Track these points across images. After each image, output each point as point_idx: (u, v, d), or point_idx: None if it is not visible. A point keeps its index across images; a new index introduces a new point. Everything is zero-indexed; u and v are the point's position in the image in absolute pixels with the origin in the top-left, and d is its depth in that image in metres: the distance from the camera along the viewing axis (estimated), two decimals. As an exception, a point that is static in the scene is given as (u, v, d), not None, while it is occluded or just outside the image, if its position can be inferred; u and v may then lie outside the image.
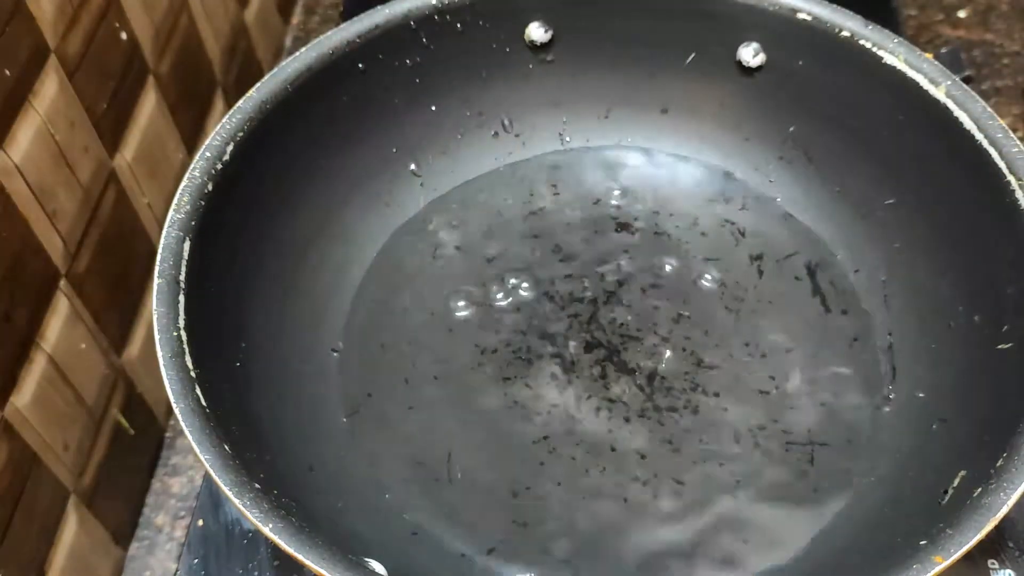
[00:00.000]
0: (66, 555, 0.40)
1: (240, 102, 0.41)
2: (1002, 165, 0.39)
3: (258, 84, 0.42)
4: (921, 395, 0.42)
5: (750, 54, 0.47)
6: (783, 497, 0.41)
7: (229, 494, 0.32)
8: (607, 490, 0.41)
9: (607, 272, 0.48)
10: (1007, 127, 0.40)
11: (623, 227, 0.50)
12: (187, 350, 0.35)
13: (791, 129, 0.48)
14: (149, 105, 0.47)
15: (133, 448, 0.46)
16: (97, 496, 0.43)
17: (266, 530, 0.31)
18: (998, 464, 0.33)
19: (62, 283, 0.40)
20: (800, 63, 0.46)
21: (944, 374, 0.41)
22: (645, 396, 0.44)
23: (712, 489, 0.41)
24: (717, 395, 0.44)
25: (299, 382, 0.42)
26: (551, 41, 0.48)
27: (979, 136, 0.40)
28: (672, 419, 0.43)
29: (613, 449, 0.42)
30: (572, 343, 0.45)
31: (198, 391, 0.34)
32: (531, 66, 0.49)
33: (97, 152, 0.43)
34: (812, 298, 0.47)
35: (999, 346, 0.38)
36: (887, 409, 0.43)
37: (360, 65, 0.45)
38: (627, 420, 0.43)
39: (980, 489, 0.33)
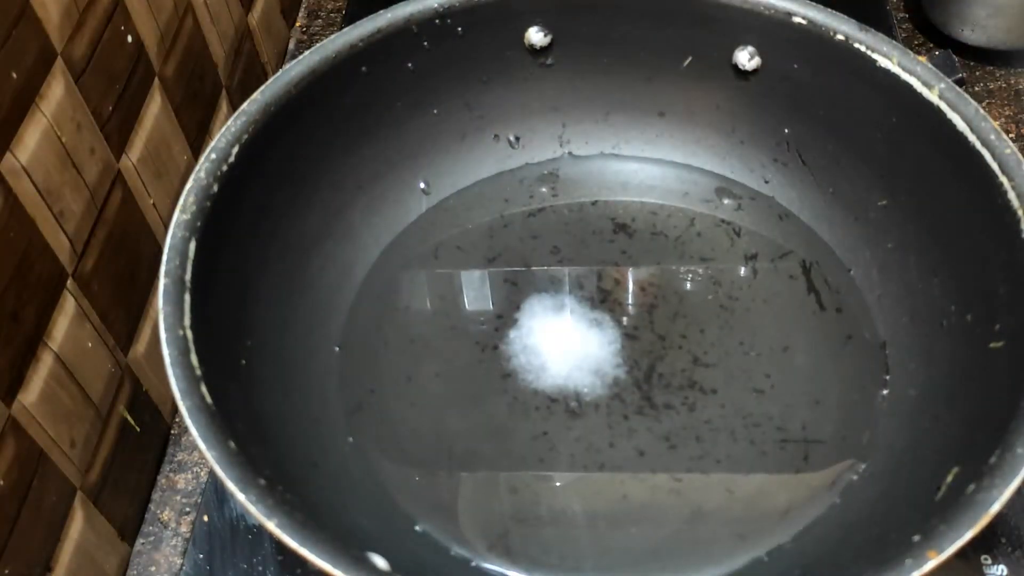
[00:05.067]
0: (72, 551, 0.41)
1: (245, 105, 0.42)
2: (994, 166, 0.40)
3: (262, 87, 0.43)
4: (914, 392, 0.42)
5: (746, 58, 0.47)
6: (778, 493, 0.41)
7: (234, 490, 0.32)
8: (606, 487, 0.42)
9: (605, 272, 0.48)
10: (999, 129, 0.40)
11: (621, 228, 0.50)
12: (192, 349, 0.35)
13: (786, 131, 0.48)
14: (155, 107, 0.48)
15: (139, 445, 0.47)
16: (103, 492, 0.43)
17: (270, 525, 0.32)
18: (991, 460, 0.33)
19: (69, 283, 0.41)
20: (795, 66, 0.46)
21: (937, 372, 0.42)
22: (643, 393, 0.44)
23: (708, 485, 0.42)
24: (714, 392, 0.44)
25: (303, 380, 0.43)
26: (550, 45, 0.49)
27: (972, 137, 0.40)
28: (669, 416, 0.43)
29: (611, 446, 0.43)
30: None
31: (203, 389, 0.34)
32: (531, 70, 0.50)
33: (103, 154, 0.43)
34: (807, 297, 0.47)
35: (991, 344, 0.39)
36: (881, 406, 0.43)
37: (363, 68, 0.45)
38: (625, 417, 0.43)
39: (973, 485, 0.33)
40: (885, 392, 0.43)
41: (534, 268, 0.49)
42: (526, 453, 0.43)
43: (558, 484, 0.42)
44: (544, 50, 0.49)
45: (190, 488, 0.48)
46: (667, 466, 0.42)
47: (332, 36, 0.45)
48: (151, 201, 0.48)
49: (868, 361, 0.45)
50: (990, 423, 0.35)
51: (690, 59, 0.49)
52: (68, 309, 0.41)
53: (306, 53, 0.44)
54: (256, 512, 0.32)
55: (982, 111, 0.41)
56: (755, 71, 0.48)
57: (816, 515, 0.40)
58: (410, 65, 0.47)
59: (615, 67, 0.50)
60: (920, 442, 0.40)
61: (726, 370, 0.45)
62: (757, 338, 0.46)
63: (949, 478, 0.35)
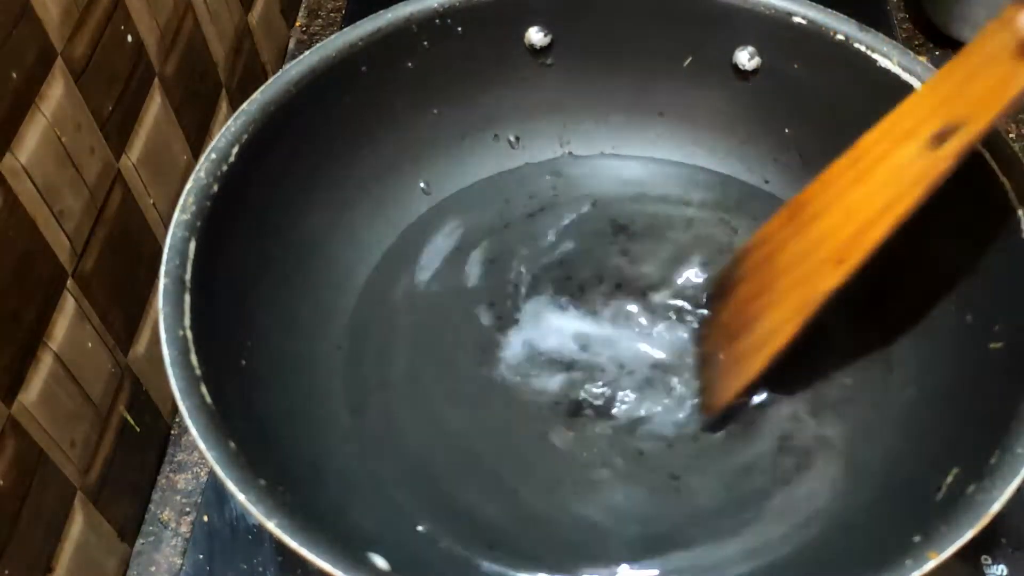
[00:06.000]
0: (72, 551, 0.41)
1: (245, 104, 0.42)
2: (995, 166, 0.40)
3: (262, 87, 0.43)
4: (914, 392, 0.42)
5: (746, 58, 0.47)
6: (778, 493, 0.41)
7: (234, 490, 0.32)
8: (608, 486, 0.42)
9: (606, 273, 0.48)
10: (999, 128, 0.40)
11: (621, 228, 0.50)
12: (192, 349, 0.35)
13: (786, 131, 0.48)
14: (155, 107, 0.48)
15: (139, 445, 0.47)
16: (103, 493, 0.43)
17: (270, 525, 0.32)
18: (991, 461, 0.33)
19: (69, 283, 0.41)
20: (795, 66, 0.46)
21: (937, 372, 0.41)
22: (643, 394, 0.44)
23: (708, 485, 0.41)
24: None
25: (303, 380, 0.43)
26: (550, 45, 0.49)
27: (972, 138, 0.40)
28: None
29: (612, 445, 0.43)
30: (571, 342, 0.46)
31: (203, 389, 0.34)
32: (531, 70, 0.50)
33: (103, 153, 0.43)
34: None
35: (990, 345, 0.39)
36: (881, 407, 0.43)
37: (363, 68, 0.45)
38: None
39: (974, 486, 0.33)
40: (886, 392, 0.43)
41: (534, 268, 0.48)
42: (526, 453, 0.43)
43: (558, 484, 0.42)
44: (544, 50, 0.49)
45: (190, 488, 0.48)
46: (667, 466, 0.42)
47: (332, 36, 0.45)
48: (151, 201, 0.48)
49: (868, 362, 0.45)
50: (990, 423, 0.35)
51: (690, 59, 0.49)
52: (68, 309, 0.41)
53: (306, 53, 0.44)
54: (256, 512, 0.32)
55: (982, 111, 0.41)
56: (755, 71, 0.48)
57: (816, 515, 0.40)
58: (410, 65, 0.47)
59: (615, 67, 0.50)
60: (920, 442, 0.40)
61: (726, 370, 0.45)
62: (757, 338, 0.46)
63: (949, 478, 0.35)
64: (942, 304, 0.42)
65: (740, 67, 0.48)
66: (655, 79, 0.50)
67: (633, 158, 0.52)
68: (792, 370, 0.44)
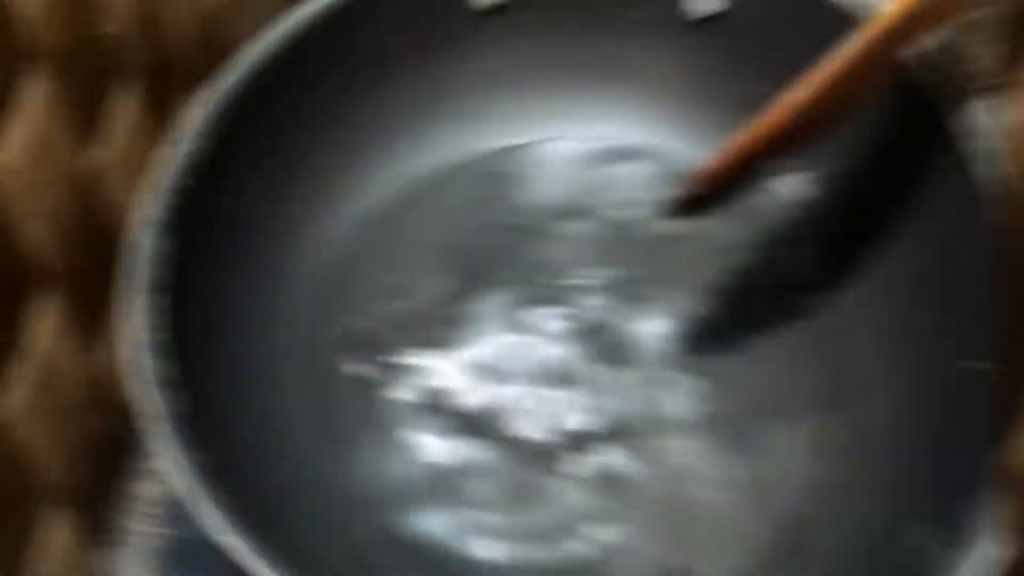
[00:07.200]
0: (52, 558, 0.40)
1: (206, 94, 0.42)
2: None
3: (220, 78, 0.42)
4: (896, 405, 0.41)
5: None
6: (777, 494, 0.41)
7: (195, 502, 0.32)
8: (605, 486, 0.41)
9: (549, 258, 0.47)
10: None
11: (563, 211, 0.48)
12: (166, 354, 0.35)
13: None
14: (133, 102, 0.47)
15: (116, 452, 0.46)
16: (79, 499, 0.43)
17: (227, 541, 0.31)
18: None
19: (52, 284, 0.40)
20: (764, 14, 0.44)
21: (917, 386, 0.41)
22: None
23: (707, 486, 0.41)
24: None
25: (282, 383, 0.42)
26: (504, 5, 0.46)
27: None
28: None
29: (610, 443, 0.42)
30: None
31: (175, 396, 0.35)
32: (474, 34, 0.47)
33: (80, 150, 0.43)
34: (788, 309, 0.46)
35: (971, 362, 0.38)
36: (876, 412, 0.42)
37: (312, 49, 0.44)
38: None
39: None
40: (874, 408, 0.42)
41: (495, 260, 0.47)
42: (528, 456, 0.42)
43: (559, 484, 0.42)
44: (492, 11, 0.46)
45: (164, 497, 0.47)
46: (665, 478, 0.42)
47: (281, 17, 0.44)
48: (130, 199, 0.47)
49: (853, 373, 0.43)
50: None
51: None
52: (51, 311, 0.40)
53: (259, 39, 0.43)
54: (214, 528, 0.31)
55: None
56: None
57: (815, 516, 0.40)
58: (357, 41, 0.45)
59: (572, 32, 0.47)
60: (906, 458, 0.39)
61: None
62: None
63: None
64: (936, 312, 0.41)
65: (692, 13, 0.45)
66: (612, 43, 0.47)
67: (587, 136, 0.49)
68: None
